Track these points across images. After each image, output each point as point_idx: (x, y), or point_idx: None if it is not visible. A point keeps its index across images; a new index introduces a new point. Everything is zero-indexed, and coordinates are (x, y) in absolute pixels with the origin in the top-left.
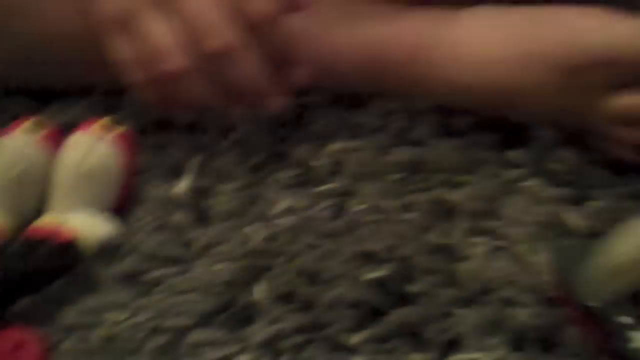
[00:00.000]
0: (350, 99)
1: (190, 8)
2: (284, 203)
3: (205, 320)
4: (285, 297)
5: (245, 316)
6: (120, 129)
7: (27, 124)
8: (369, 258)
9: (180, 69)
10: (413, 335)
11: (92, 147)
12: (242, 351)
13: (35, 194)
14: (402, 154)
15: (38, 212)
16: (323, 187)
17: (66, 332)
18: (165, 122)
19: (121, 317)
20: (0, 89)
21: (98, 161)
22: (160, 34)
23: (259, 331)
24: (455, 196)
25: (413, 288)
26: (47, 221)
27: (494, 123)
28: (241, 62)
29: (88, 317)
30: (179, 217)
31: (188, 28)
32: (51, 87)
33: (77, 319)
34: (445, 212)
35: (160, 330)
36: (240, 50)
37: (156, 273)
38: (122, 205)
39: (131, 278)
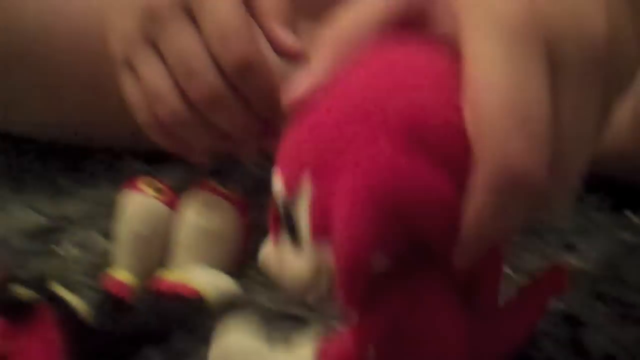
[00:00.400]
0: None
1: (177, 52)
2: None
3: None
4: None
5: None
6: (233, 191)
7: (147, 183)
8: None
9: (173, 114)
10: None
11: (211, 204)
12: None
13: (159, 251)
14: None
15: (159, 267)
16: None
17: None
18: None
19: None
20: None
21: (218, 218)
22: (154, 76)
23: None
24: (573, 259)
25: (536, 354)
26: (173, 276)
27: (603, 183)
28: (226, 108)
29: None
30: None
31: (177, 72)
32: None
33: None
34: None
35: None
36: (225, 96)
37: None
38: (238, 265)
39: None
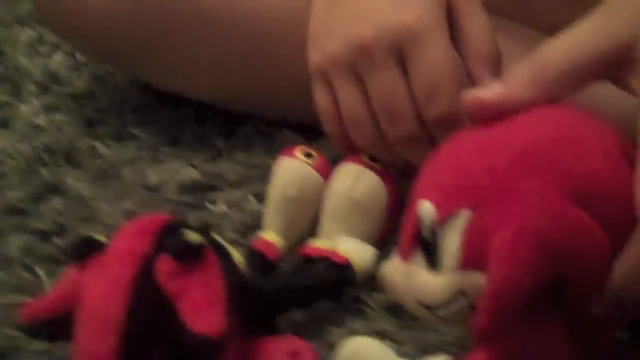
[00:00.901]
0: None
1: (383, 93)
2: None
3: None
4: None
5: None
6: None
7: (300, 150)
8: None
9: (367, 140)
10: None
11: (362, 176)
12: None
13: (307, 217)
14: None
15: (307, 235)
16: None
17: (333, 350)
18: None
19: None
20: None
21: (367, 190)
22: (355, 104)
23: None
24: None
25: None
26: (320, 243)
27: None
28: (416, 146)
29: None
30: None
31: (379, 110)
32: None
33: (343, 339)
34: None
35: None
36: (419, 138)
37: None
38: (383, 237)
39: (395, 309)
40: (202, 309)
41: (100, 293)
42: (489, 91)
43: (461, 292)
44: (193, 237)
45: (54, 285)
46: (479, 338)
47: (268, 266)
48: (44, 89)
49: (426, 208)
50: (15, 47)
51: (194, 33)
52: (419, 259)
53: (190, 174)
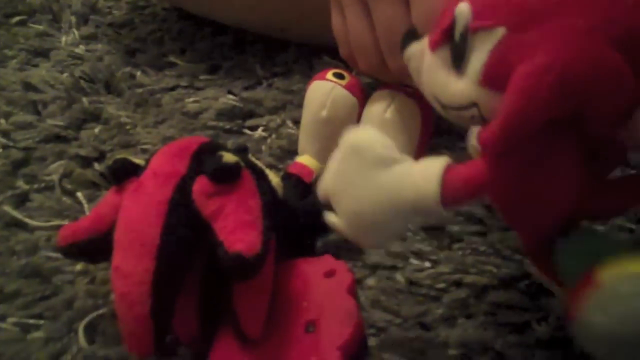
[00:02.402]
0: None
1: (382, 17)
2: None
3: (505, 283)
4: None
5: (546, 288)
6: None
7: (333, 72)
8: None
9: (370, 66)
10: None
11: (396, 100)
12: (542, 319)
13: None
14: None
15: None
16: None
17: (371, 270)
18: None
19: (424, 265)
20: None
21: (400, 111)
22: (361, 31)
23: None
24: None
25: None
26: None
27: None
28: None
29: (393, 260)
30: None
31: (382, 39)
32: None
33: (382, 260)
34: None
35: (461, 284)
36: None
37: (456, 228)
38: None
39: (434, 230)
40: (239, 229)
41: (136, 213)
42: None
43: (475, 104)
44: (230, 158)
45: (93, 208)
46: (483, 149)
47: (304, 188)
48: (83, 19)
49: (463, 11)
50: None
51: None
52: (445, 55)
53: (228, 100)
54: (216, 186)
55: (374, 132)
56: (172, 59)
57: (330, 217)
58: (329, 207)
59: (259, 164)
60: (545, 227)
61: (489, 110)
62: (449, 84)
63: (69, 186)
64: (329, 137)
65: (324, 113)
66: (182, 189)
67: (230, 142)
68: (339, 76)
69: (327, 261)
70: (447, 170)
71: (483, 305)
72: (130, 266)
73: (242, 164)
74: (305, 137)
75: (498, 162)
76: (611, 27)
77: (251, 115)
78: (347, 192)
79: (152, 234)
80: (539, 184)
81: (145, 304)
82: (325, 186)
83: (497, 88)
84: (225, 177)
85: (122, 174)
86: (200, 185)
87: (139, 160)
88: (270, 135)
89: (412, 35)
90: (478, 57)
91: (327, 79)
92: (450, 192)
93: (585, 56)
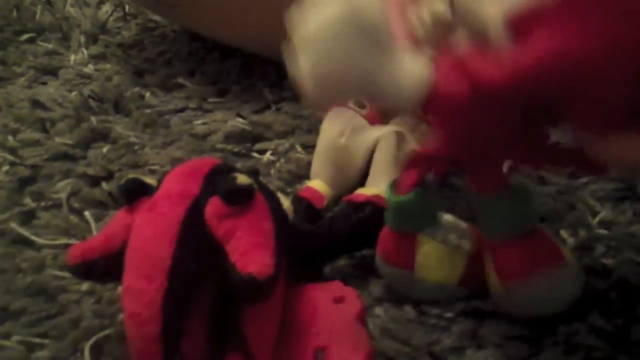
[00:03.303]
0: None
1: None
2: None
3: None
4: None
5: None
6: None
7: (353, 102)
8: None
9: None
10: None
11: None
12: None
13: (356, 167)
14: None
15: (356, 186)
16: None
17: (379, 298)
18: None
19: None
20: None
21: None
22: None
23: None
24: None
25: None
26: (366, 190)
27: None
28: None
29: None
30: None
31: None
32: None
33: (389, 289)
34: None
35: (470, 314)
36: None
37: None
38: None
39: None
40: (251, 250)
41: (149, 233)
42: None
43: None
44: (243, 179)
45: (103, 227)
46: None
47: (314, 213)
48: (92, 38)
49: None
50: None
51: None
52: None
53: (237, 123)
54: (229, 207)
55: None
56: (180, 80)
57: (298, 63)
58: None
59: (270, 187)
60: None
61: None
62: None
63: (76, 205)
64: (343, 165)
65: (342, 141)
66: (196, 210)
67: (239, 165)
68: (360, 105)
69: (337, 287)
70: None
71: (493, 337)
72: (142, 286)
73: (256, 185)
74: (319, 162)
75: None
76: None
77: (260, 138)
78: (331, 50)
79: (164, 254)
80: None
81: (155, 324)
82: (306, 32)
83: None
84: (239, 198)
85: (134, 194)
86: (213, 206)
87: (150, 180)
88: (278, 159)
89: None
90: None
91: (349, 107)
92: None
93: (594, 48)
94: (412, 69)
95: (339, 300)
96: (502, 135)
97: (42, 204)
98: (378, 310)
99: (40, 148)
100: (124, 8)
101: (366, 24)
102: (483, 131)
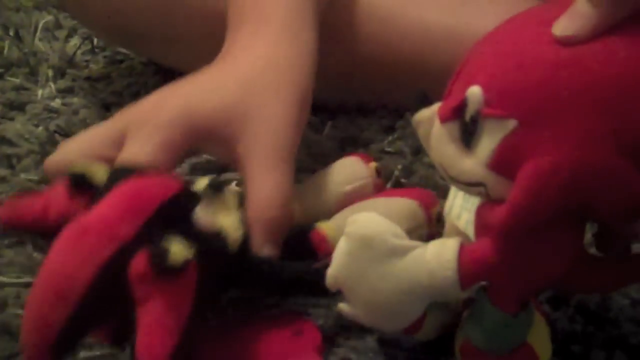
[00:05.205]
0: None
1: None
2: None
3: None
4: None
5: None
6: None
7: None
8: None
9: None
10: None
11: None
12: None
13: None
14: None
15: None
16: None
17: (342, 328)
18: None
19: None
20: None
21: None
22: None
23: None
24: None
25: None
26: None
27: None
28: None
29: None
30: None
31: None
32: None
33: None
34: None
35: (431, 345)
36: None
37: None
38: None
39: None
40: (155, 332)
41: (69, 263)
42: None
43: (483, 184)
44: (178, 253)
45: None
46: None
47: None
48: (60, 72)
49: (475, 95)
50: (32, 32)
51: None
52: (454, 130)
53: (202, 154)
54: (153, 272)
55: (381, 220)
56: None
57: (345, 307)
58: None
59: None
60: (529, 291)
61: (496, 192)
62: (457, 160)
63: (40, 242)
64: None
65: (346, 189)
66: (121, 257)
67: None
68: (377, 169)
69: (294, 320)
70: (461, 255)
71: None
72: (45, 313)
73: (191, 258)
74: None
75: (506, 242)
76: (625, 134)
77: (225, 169)
78: (361, 283)
79: (76, 290)
80: (538, 256)
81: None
82: (335, 276)
83: (506, 174)
84: (165, 273)
85: (80, 187)
86: (138, 263)
87: (99, 179)
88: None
89: (422, 99)
90: (488, 142)
91: (365, 161)
92: (468, 278)
93: (594, 161)
94: (442, 259)
95: (297, 332)
96: (562, 258)
97: (6, 241)
98: (339, 340)
99: (6, 185)
100: (92, 41)
101: (380, 247)
102: (542, 263)
